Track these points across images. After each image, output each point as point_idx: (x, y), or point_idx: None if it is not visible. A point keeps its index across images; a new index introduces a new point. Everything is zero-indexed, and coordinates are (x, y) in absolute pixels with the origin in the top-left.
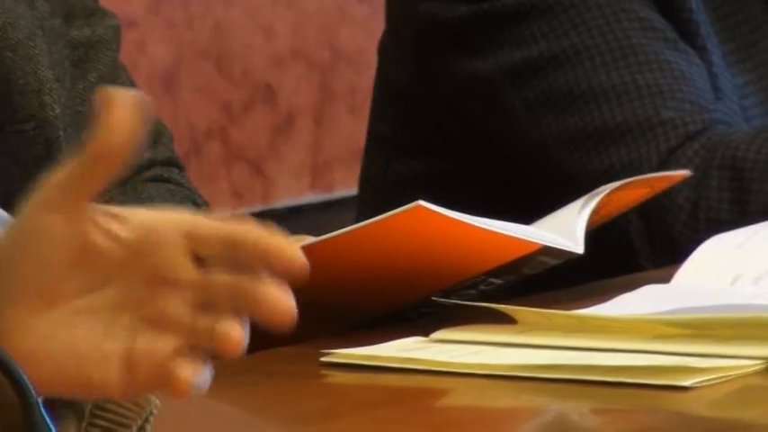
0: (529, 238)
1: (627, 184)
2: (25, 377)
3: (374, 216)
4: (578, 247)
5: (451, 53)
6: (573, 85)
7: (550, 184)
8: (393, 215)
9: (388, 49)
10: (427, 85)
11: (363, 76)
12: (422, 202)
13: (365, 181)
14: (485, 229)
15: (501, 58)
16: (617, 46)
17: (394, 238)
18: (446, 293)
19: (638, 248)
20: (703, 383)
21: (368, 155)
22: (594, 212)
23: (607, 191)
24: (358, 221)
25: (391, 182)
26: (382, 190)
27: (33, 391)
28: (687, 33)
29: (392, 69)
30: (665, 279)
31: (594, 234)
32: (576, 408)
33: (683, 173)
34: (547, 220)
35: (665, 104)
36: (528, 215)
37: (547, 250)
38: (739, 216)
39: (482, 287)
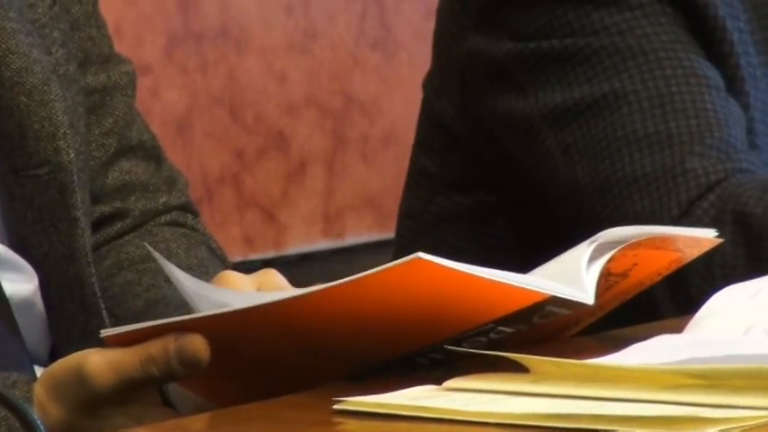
0: (534, 288)
1: (651, 243)
2: (36, 418)
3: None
4: (589, 298)
5: (494, 89)
6: (609, 131)
7: (579, 227)
8: (392, 267)
9: (435, 84)
10: (472, 119)
11: (376, 124)
12: (421, 255)
13: (405, 215)
14: (488, 279)
15: (542, 98)
16: (656, 93)
17: (395, 288)
18: (456, 341)
19: (659, 299)
20: None
21: (409, 189)
22: (621, 275)
23: (619, 246)
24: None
25: (434, 216)
26: (424, 224)
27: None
28: (733, 77)
29: (438, 104)
30: (678, 329)
31: None
32: None
33: (710, 237)
34: (549, 266)
35: (693, 151)
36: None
37: (556, 300)
38: (755, 272)
39: (492, 335)
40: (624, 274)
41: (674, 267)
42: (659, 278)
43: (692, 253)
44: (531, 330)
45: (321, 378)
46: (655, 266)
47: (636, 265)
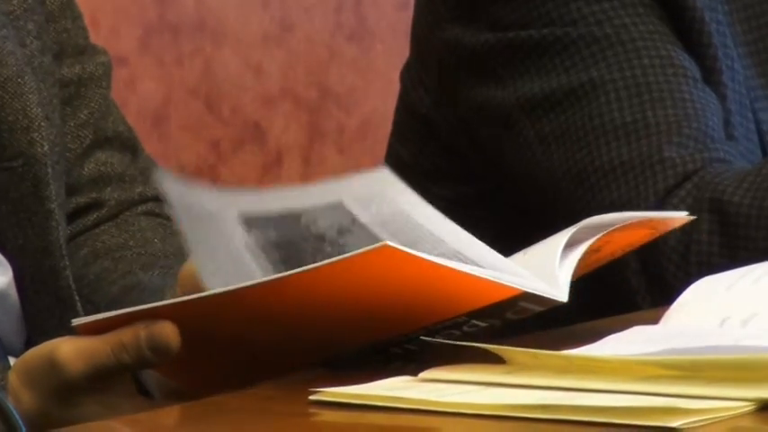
0: (505, 283)
1: (624, 225)
2: (10, 405)
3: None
4: (562, 296)
5: (472, 79)
6: (586, 120)
7: (558, 217)
8: (359, 254)
9: (412, 74)
10: (449, 109)
11: (352, 116)
12: (389, 242)
13: None
14: (457, 271)
15: (520, 87)
16: (633, 83)
17: (364, 275)
18: (431, 332)
19: (635, 288)
20: (692, 425)
21: None
22: (593, 251)
23: (598, 235)
24: None
25: None
26: None
27: (20, 422)
28: (711, 69)
29: (415, 94)
30: (654, 320)
31: (594, 273)
32: None
33: (683, 216)
34: (523, 258)
35: (671, 140)
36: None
37: (528, 296)
38: (730, 261)
39: (465, 328)
40: (596, 250)
41: (646, 239)
42: (630, 249)
43: (664, 228)
44: (504, 325)
45: (295, 364)
46: (627, 240)
47: (608, 242)
